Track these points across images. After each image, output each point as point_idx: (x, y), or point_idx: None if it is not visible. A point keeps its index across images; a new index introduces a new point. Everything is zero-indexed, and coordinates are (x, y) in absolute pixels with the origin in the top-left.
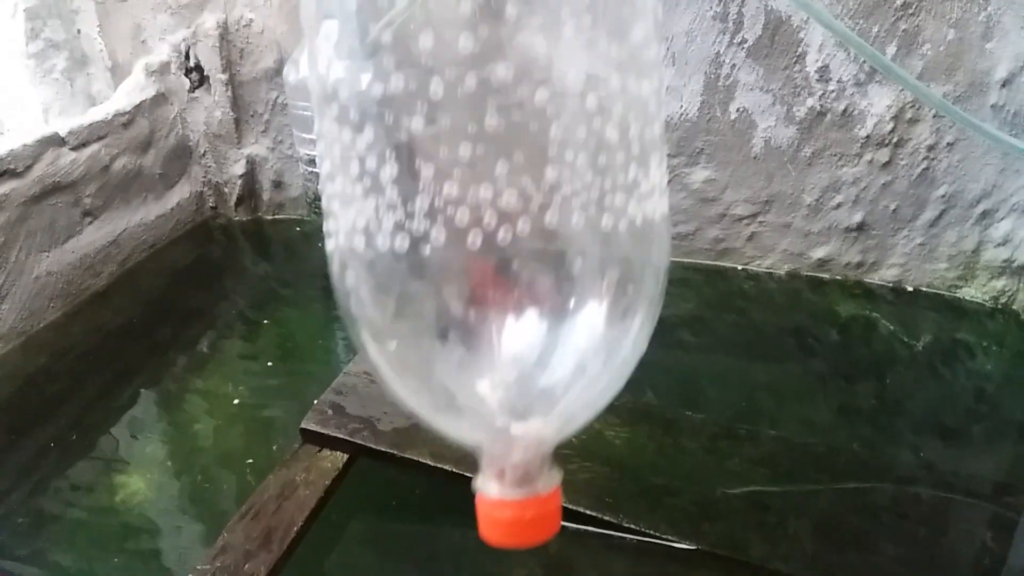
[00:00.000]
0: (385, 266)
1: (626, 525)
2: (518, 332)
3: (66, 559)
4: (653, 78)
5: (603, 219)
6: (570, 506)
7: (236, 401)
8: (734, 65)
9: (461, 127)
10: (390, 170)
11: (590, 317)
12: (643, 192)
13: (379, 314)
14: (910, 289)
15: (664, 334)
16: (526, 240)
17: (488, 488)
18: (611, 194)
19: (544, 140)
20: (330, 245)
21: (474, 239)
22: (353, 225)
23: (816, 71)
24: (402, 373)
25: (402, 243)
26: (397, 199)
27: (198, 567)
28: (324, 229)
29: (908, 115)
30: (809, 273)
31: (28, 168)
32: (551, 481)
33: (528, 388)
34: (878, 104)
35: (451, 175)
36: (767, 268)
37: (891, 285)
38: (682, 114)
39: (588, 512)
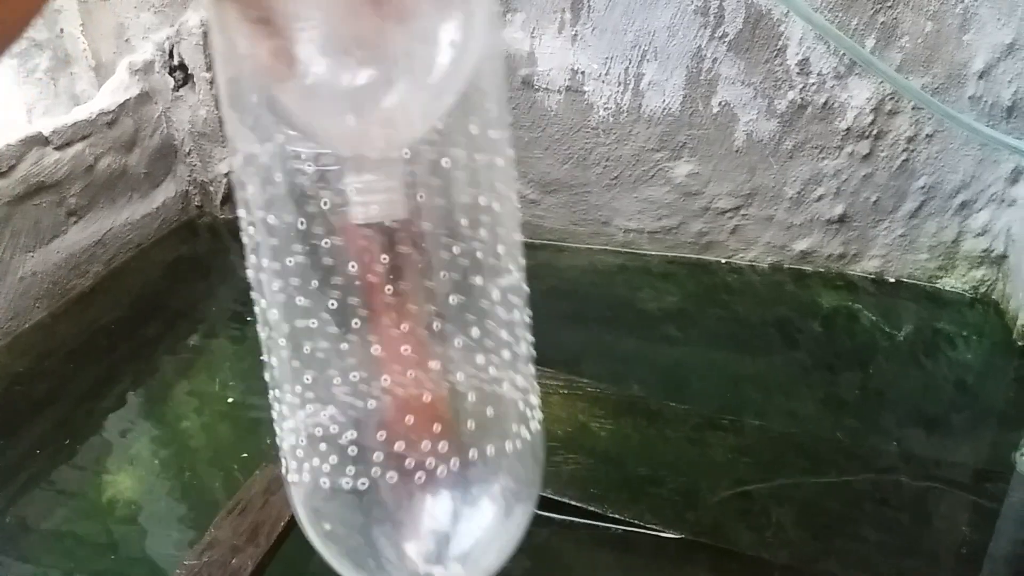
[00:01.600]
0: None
1: (612, 515)
2: (435, 510)
3: (54, 558)
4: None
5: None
6: (556, 497)
7: (230, 400)
8: (715, 59)
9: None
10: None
11: (486, 498)
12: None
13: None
14: (891, 280)
15: (648, 328)
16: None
17: None
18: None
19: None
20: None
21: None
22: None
23: (797, 64)
24: (335, 545)
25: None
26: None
27: (186, 562)
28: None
29: (888, 107)
30: (792, 265)
31: (12, 168)
32: None
33: (444, 547)
34: (858, 97)
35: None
36: (750, 261)
37: (872, 276)
38: (664, 108)
39: (574, 503)
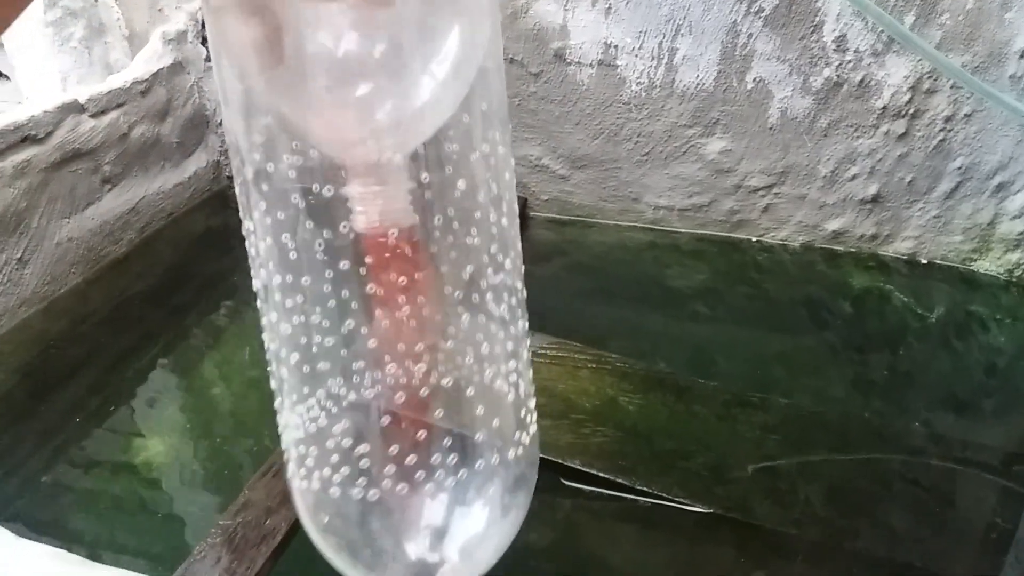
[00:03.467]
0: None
1: (639, 488)
2: (431, 509)
3: (88, 519)
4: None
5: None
6: (584, 468)
7: (269, 368)
8: (751, 35)
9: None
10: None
11: (482, 500)
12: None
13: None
14: (924, 262)
15: (677, 306)
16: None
17: None
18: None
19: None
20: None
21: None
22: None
23: (833, 41)
24: (332, 537)
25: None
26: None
27: (220, 522)
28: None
29: (925, 86)
30: (823, 245)
31: (49, 134)
32: None
33: (439, 541)
34: (895, 75)
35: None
36: (781, 240)
37: (905, 258)
38: (698, 84)
39: (602, 475)
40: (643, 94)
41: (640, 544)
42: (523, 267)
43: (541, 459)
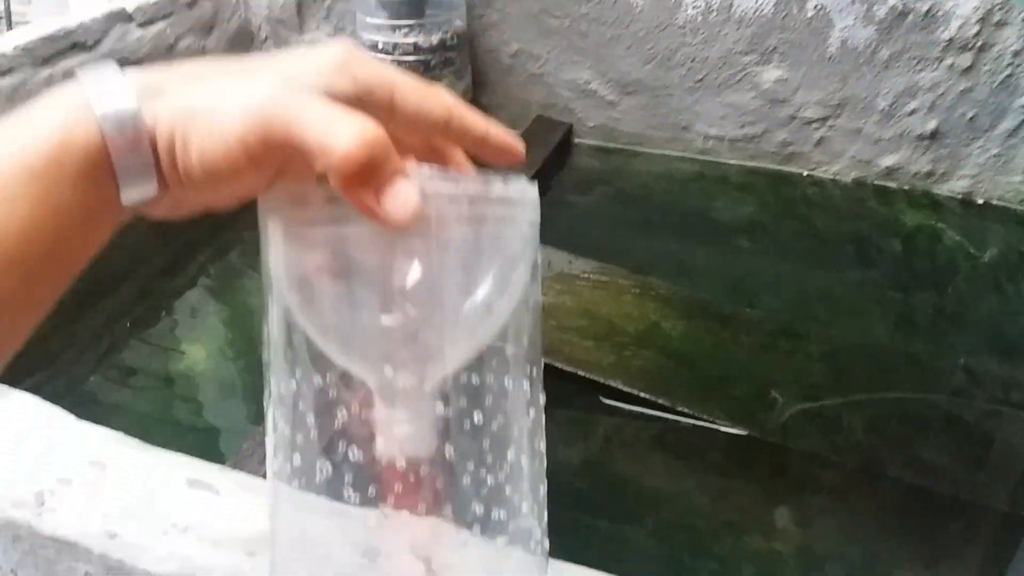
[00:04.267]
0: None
1: (680, 409)
2: None
3: (130, 423)
4: None
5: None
6: (625, 388)
7: None
8: None
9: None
10: None
11: None
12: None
13: None
14: (980, 201)
15: (722, 239)
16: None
17: None
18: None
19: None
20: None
21: None
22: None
23: None
24: None
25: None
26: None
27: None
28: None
29: (996, 18)
30: (876, 182)
31: (97, 43)
32: None
33: None
34: (965, 5)
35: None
36: (833, 175)
37: (960, 196)
38: (757, 9)
39: (643, 395)
40: (699, 18)
41: (678, 464)
42: (546, 516)
43: (582, 377)
